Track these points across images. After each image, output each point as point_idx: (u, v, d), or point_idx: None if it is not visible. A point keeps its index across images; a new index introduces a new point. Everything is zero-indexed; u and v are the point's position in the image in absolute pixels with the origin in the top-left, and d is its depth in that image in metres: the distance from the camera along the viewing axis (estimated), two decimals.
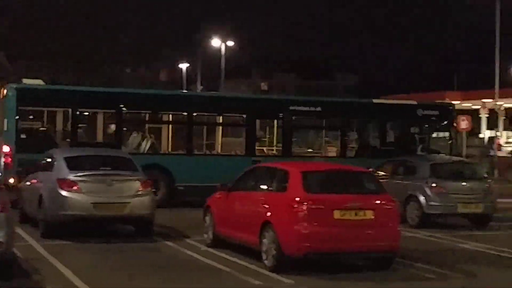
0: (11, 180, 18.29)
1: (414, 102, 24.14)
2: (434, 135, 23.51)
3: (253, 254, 12.06)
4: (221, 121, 22.84)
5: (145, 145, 21.02)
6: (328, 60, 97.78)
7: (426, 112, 22.86)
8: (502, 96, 47.06)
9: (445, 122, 23.03)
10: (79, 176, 14.22)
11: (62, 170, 14.48)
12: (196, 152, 21.45)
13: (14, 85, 19.86)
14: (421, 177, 17.74)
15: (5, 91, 19.58)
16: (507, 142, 47.64)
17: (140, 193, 14.41)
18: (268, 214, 11.73)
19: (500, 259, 13.36)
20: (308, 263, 11.44)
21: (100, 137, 21.12)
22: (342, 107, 23.25)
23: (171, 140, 22.24)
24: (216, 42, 62.27)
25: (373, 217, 11.43)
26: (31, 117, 21.20)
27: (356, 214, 11.35)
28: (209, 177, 18.96)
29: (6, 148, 19.14)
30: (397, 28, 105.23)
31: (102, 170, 14.55)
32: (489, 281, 11.40)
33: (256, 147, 21.90)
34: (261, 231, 11.72)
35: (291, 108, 21.80)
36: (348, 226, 11.28)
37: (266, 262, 11.57)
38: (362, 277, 11.34)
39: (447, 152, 22.46)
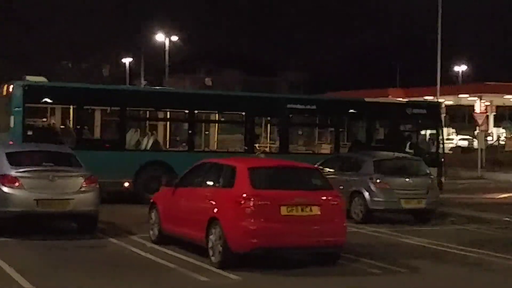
0: None
1: (404, 101, 25.11)
2: (422, 132, 24.25)
3: (200, 250, 12.01)
4: (220, 118, 23.08)
5: (148, 142, 21.23)
6: (273, 56, 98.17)
7: (415, 110, 23.52)
8: (443, 93, 47.97)
9: (433, 120, 23.69)
10: (21, 172, 13.94)
11: (3, 166, 14.16)
12: (196, 149, 21.55)
13: (21, 83, 19.85)
14: (366, 173, 17.93)
15: (10, 89, 19.60)
16: (447, 139, 48.56)
17: (83, 189, 14.21)
18: (215, 210, 11.69)
19: (442, 253, 13.58)
20: (255, 259, 11.45)
21: (104, 134, 21.44)
22: (336, 105, 24.07)
23: (172, 137, 22.71)
24: (160, 37, 61.87)
25: (319, 212, 11.49)
26: (37, 114, 21.35)
27: (302, 210, 11.40)
28: None
29: None
30: (341, 25, 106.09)
31: (44, 166, 14.30)
32: (432, 275, 11.58)
33: (255, 145, 22.20)
34: (207, 228, 11.68)
35: (288, 106, 22.24)
36: (294, 222, 11.31)
37: (212, 258, 11.53)
38: (308, 272, 11.40)
39: (435, 148, 23.27)
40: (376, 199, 17.47)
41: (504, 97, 62.31)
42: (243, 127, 22.10)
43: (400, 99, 51.32)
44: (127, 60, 72.71)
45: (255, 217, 11.13)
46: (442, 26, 43.42)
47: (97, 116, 21.37)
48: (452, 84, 70.22)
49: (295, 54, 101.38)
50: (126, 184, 19.98)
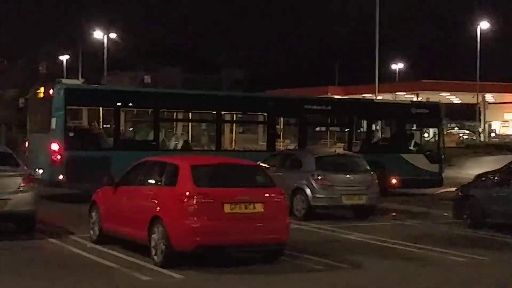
0: None
1: (409, 101, 27.32)
2: (425, 131, 26.02)
3: (142, 250, 11.87)
4: (244, 119, 24.48)
5: (179, 142, 22.09)
6: (214, 54, 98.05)
7: (418, 110, 25.16)
8: (381, 91, 48.62)
9: (434, 119, 25.15)
10: None
11: None
12: (223, 148, 22.31)
13: (63, 85, 20.31)
14: (307, 170, 18.02)
15: (50, 91, 19.99)
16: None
17: (21, 189, 13.90)
18: (157, 209, 11.57)
19: (383, 248, 13.74)
20: (198, 257, 11.38)
21: (139, 135, 22.27)
22: (349, 105, 25.89)
23: (201, 137, 23.86)
24: (98, 34, 61.08)
25: (263, 210, 11.49)
26: (77, 116, 21.85)
27: (246, 208, 11.37)
28: None
29: (55, 146, 19.48)
30: (283, 24, 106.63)
31: None
32: (374, 270, 11.69)
33: (276, 143, 23.10)
34: (150, 226, 11.55)
35: (305, 106, 23.55)
36: (238, 220, 11.29)
37: (155, 257, 11.41)
38: (251, 269, 11.38)
39: (436, 146, 24.83)
40: (317, 195, 17.57)
41: (440, 94, 63.57)
42: (265, 127, 23.27)
43: (339, 96, 51.89)
44: (64, 57, 71.55)
45: (198, 215, 11.05)
46: (379, 25, 44.03)
47: (135, 117, 22.57)
48: (389, 82, 71.27)
49: (237, 51, 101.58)
50: None
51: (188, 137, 22.86)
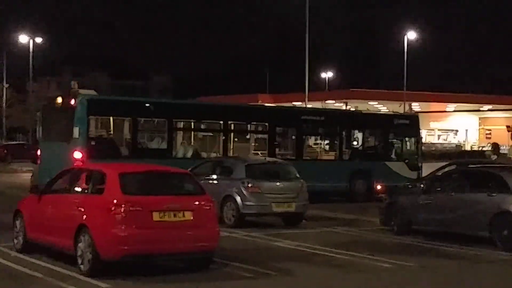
0: None
1: (391, 113, 29.41)
2: (405, 140, 27.54)
3: (68, 259, 11.62)
4: (249, 128, 25.79)
5: (190, 151, 23.11)
6: (143, 60, 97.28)
7: (400, 121, 27.29)
8: (311, 99, 49.02)
9: (413, 130, 27.13)
10: None
11: None
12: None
13: (86, 96, 21.05)
14: (237, 177, 18.00)
15: (72, 101, 20.65)
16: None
17: None
18: (84, 217, 11.35)
19: (312, 255, 13.82)
20: (125, 266, 11.21)
21: (156, 144, 23.02)
22: (340, 116, 28.17)
23: (209, 146, 24.82)
24: (23, 38, 59.80)
25: (192, 218, 11.41)
26: (98, 125, 22.56)
27: (175, 216, 11.27)
28: None
29: (78, 154, 20.03)
30: (213, 31, 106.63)
31: None
32: (303, 277, 11.74)
33: (276, 151, 24.54)
34: (76, 235, 11.32)
35: (302, 117, 25.50)
36: (167, 228, 11.17)
37: (81, 267, 11.20)
38: (180, 278, 11.27)
39: (415, 154, 26.62)
40: (247, 203, 17.57)
41: (369, 103, 64.53)
42: (266, 136, 24.80)
43: (270, 104, 52.12)
44: None
45: (126, 223, 10.89)
46: (309, 34, 44.44)
47: (151, 127, 23.63)
48: (319, 90, 72.00)
49: (166, 58, 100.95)
50: None
51: (198, 146, 24.18)
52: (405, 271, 12.46)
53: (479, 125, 74.58)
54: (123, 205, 10.94)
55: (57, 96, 21.91)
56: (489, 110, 73.64)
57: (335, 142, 26.44)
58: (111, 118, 22.37)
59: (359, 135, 26.60)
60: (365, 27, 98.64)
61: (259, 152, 25.23)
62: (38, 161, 22.11)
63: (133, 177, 11.73)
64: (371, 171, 24.85)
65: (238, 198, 17.60)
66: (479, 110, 70.44)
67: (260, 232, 16.73)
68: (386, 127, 26.70)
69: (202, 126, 24.88)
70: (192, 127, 24.46)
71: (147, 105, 22.91)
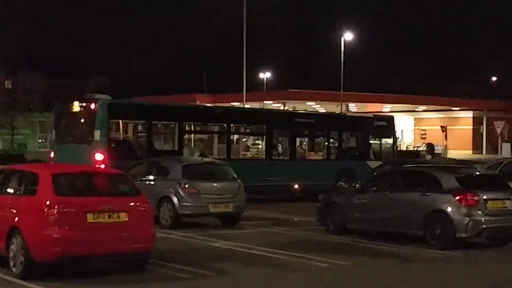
0: None
1: (371, 115, 31.13)
2: (383, 141, 29.14)
3: (0, 261, 11.35)
4: (247, 131, 27.57)
5: (197, 153, 23.99)
6: (78, 59, 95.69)
7: (379, 123, 28.74)
8: (249, 99, 49.16)
9: (390, 131, 28.72)
10: None
11: None
12: (232, 157, 24.67)
13: (106, 101, 22.13)
14: (174, 178, 17.89)
15: (92, 105, 21.70)
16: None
17: None
18: (16, 219, 11.13)
19: (249, 255, 13.83)
20: (59, 268, 11.02)
21: (168, 146, 24.12)
22: (326, 119, 29.99)
23: (214, 147, 25.90)
24: None
25: (127, 219, 11.29)
26: (117, 129, 23.56)
27: (109, 217, 11.14)
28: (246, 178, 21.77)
29: (100, 156, 20.93)
30: (150, 30, 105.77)
31: None
32: (239, 277, 11.74)
33: (273, 152, 26.15)
34: (8, 237, 11.09)
35: (295, 119, 27.08)
36: (101, 229, 11.03)
37: (14, 269, 10.98)
38: (115, 280, 11.14)
39: (391, 155, 28.38)
40: (184, 204, 17.47)
41: (306, 103, 65.03)
42: (264, 138, 26.32)
43: (208, 104, 52.03)
44: None
45: (59, 225, 10.72)
46: (247, 34, 44.52)
47: (165, 130, 24.79)
48: (257, 91, 72.22)
49: (102, 57, 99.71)
50: None
51: (205, 147, 25.52)
52: (341, 270, 12.58)
53: (415, 126, 76.03)
54: (56, 206, 10.77)
55: (73, 101, 22.90)
56: (424, 110, 75.14)
57: (324, 143, 28.03)
58: (129, 122, 23.72)
59: (343, 136, 28.21)
60: (303, 28, 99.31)
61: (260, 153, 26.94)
62: (52, 163, 22.48)
63: (67, 178, 11.55)
64: (354, 170, 26.03)
65: (174, 199, 17.49)
66: (414, 111, 71.76)
67: (197, 233, 16.66)
68: (367, 128, 28.28)
69: (209, 129, 26.22)
70: (199, 129, 26.06)
71: (161, 109, 24.88)
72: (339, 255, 13.89)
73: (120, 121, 23.38)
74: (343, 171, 26.14)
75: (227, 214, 18.06)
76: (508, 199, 15.30)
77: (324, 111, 60.93)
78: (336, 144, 27.97)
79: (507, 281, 11.98)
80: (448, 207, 14.83)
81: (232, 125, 25.52)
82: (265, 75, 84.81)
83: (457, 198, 14.79)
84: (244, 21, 43.96)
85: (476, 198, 14.77)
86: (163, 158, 20.05)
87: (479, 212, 14.72)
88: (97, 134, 21.42)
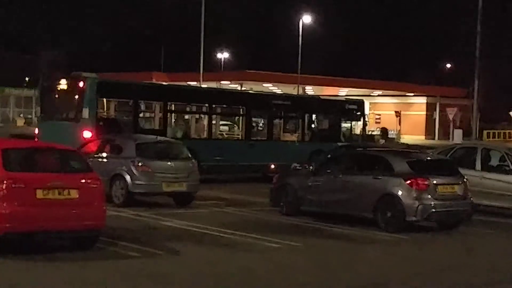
0: None
1: (343, 99, 32.89)
2: (353, 123, 30.17)
3: None
4: (227, 111, 28.01)
5: (181, 132, 24.78)
6: (31, 34, 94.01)
7: (350, 106, 29.47)
8: (206, 79, 48.97)
9: (360, 114, 29.59)
10: None
11: None
12: (212, 137, 25.60)
13: (95, 79, 22.32)
14: (127, 156, 17.75)
15: (81, 83, 21.93)
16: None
17: None
18: None
19: (201, 235, 13.83)
20: (7, 244, 10.87)
21: (154, 125, 24.55)
22: (302, 102, 30.83)
23: (196, 127, 26.58)
24: None
25: (77, 196, 11.18)
26: (105, 107, 23.96)
27: (60, 193, 11.02)
28: (223, 157, 23.97)
29: (88, 134, 21.09)
30: (106, 7, 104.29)
31: None
32: (190, 257, 11.73)
33: (251, 132, 26.59)
34: None
35: (273, 102, 27.61)
36: (51, 205, 10.92)
37: None
38: (65, 257, 11.04)
39: (361, 136, 29.69)
40: (137, 182, 17.35)
41: (263, 85, 65.07)
42: (243, 119, 26.61)
43: (164, 83, 51.70)
44: None
45: (7, 200, 10.58)
46: (206, 13, 44.26)
47: (151, 109, 25.17)
48: (214, 71, 72.00)
49: (57, 31, 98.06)
50: None
51: (188, 127, 26.24)
52: (292, 251, 12.66)
53: (369, 110, 76.62)
54: (5, 182, 10.63)
55: (59, 78, 23.25)
56: (379, 95, 75.79)
57: (299, 124, 28.39)
58: (117, 100, 24.23)
59: (317, 118, 29.09)
60: (263, 9, 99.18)
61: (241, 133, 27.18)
62: (36, 139, 22.32)
63: (17, 153, 11.37)
64: (326, 152, 26.21)
65: (127, 177, 17.35)
66: (369, 95, 72.28)
67: (150, 211, 16.59)
68: (339, 111, 28.98)
69: (192, 109, 26.74)
70: (182, 109, 26.58)
71: (147, 88, 25.60)
72: (291, 236, 13.97)
73: (108, 100, 23.72)
74: (317, 152, 26.26)
75: (181, 193, 17.99)
76: (458, 184, 15.57)
77: (281, 92, 61.04)
78: (311, 126, 28.65)
79: (453, 264, 12.20)
80: (399, 191, 15.01)
81: (213, 105, 25.84)
82: (223, 55, 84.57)
83: (408, 182, 14.98)
84: (203, 0, 43.67)
85: (426, 182, 14.98)
86: (117, 135, 19.88)
87: (429, 197, 14.93)
88: (85, 112, 21.65)
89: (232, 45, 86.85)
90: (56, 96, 23.18)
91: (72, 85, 22.46)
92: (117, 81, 26.76)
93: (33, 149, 11.92)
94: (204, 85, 45.68)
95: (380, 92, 73.16)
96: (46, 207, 10.87)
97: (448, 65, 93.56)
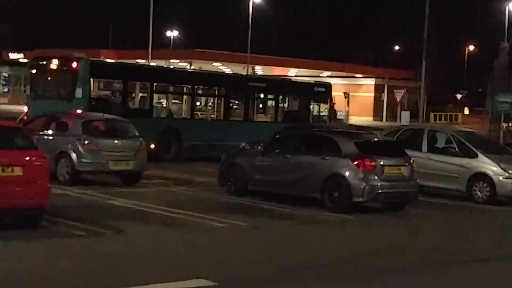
0: None
1: (313, 81, 33.50)
2: (321, 105, 31.10)
3: None
4: (206, 92, 29.05)
5: (165, 112, 26.18)
6: None
7: (319, 88, 30.52)
8: (155, 57, 48.53)
9: (328, 96, 30.57)
10: None
11: None
12: (196, 117, 26.90)
13: (88, 60, 23.36)
14: (73, 134, 17.50)
15: (74, 64, 22.66)
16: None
17: None
18: None
19: (147, 214, 13.74)
20: None
21: (142, 104, 25.36)
22: (275, 83, 31.87)
23: (180, 107, 27.96)
24: None
25: (21, 173, 11.00)
26: (97, 87, 24.78)
27: (3, 171, 10.82)
28: (207, 137, 25.11)
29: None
30: None
31: None
32: (135, 236, 11.65)
33: (229, 113, 27.62)
34: None
35: (250, 84, 28.90)
36: None
37: None
38: (8, 235, 10.80)
39: (328, 117, 30.83)
40: (83, 160, 17.13)
41: (213, 64, 64.81)
42: (222, 100, 27.54)
43: (112, 60, 51.08)
44: None
45: None
46: None
47: (140, 90, 25.85)
48: (164, 49, 71.37)
49: (3, 6, 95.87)
50: (152, 146, 22.33)
51: (173, 107, 27.44)
52: (238, 231, 12.67)
53: None
54: None
55: (51, 58, 23.78)
56: (328, 76, 76.10)
57: (272, 106, 29.70)
58: (108, 80, 25.11)
59: (289, 100, 30.47)
60: None
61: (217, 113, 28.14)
62: (25, 117, 23.02)
63: None
64: None
65: (73, 155, 17.11)
66: (319, 76, 72.57)
67: (96, 190, 16.40)
68: (308, 93, 30.01)
69: (176, 90, 27.68)
70: (168, 90, 27.41)
71: (136, 69, 27.19)
72: (237, 215, 13.98)
73: (99, 80, 24.52)
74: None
75: (128, 172, 17.83)
76: (404, 165, 15.75)
77: (230, 72, 60.98)
78: (283, 107, 30.07)
79: (397, 244, 12.36)
80: (346, 171, 15.13)
81: (195, 87, 26.74)
82: (172, 33, 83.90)
83: (355, 163, 15.10)
84: None
85: (373, 163, 15.12)
86: (62, 112, 19.56)
87: (376, 178, 15.08)
88: (78, 92, 22.36)
89: (182, 23, 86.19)
90: (48, 75, 23.80)
91: (64, 65, 23.18)
92: (107, 62, 28.50)
93: None
94: (152, 63, 45.28)
95: (329, 73, 73.55)
96: None
97: (397, 47, 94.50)
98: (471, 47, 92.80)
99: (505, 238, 13.66)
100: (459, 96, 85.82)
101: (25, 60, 64.54)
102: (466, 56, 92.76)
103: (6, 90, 73.76)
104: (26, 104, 25.05)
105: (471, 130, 22.99)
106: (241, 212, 14.54)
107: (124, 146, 17.75)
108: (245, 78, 33.74)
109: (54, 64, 23.51)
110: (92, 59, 25.42)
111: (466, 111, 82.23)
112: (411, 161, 16.02)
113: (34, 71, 24.41)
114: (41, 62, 24.41)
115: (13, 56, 73.87)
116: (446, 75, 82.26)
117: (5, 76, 74.07)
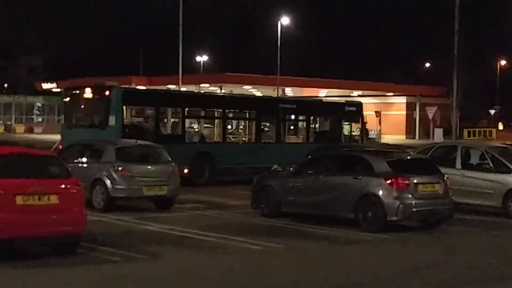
0: None
1: (343, 101, 33.27)
2: (353, 125, 31.07)
3: None
4: (240, 116, 29.17)
5: (197, 137, 26.49)
6: (9, 41, 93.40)
7: (350, 108, 30.55)
8: (186, 82, 48.87)
9: (359, 115, 30.56)
10: None
11: None
12: (228, 140, 27.20)
13: (120, 88, 23.95)
14: (107, 160, 17.68)
15: (107, 92, 23.18)
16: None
17: None
18: None
19: (182, 239, 13.80)
20: None
21: (173, 130, 25.69)
22: (307, 105, 31.80)
23: (212, 131, 28.38)
24: None
25: (57, 201, 11.13)
26: (130, 114, 25.03)
27: (39, 199, 10.96)
28: (239, 160, 25.46)
29: None
30: (87, 10, 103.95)
31: None
32: (172, 260, 11.70)
33: (262, 136, 27.98)
34: None
35: (281, 105, 28.80)
36: (31, 212, 10.87)
37: None
38: (47, 263, 10.97)
39: (360, 136, 30.78)
40: (118, 186, 17.29)
41: (243, 87, 65.07)
42: (254, 123, 27.81)
43: (143, 87, 51.55)
44: None
45: None
46: (184, 16, 44.19)
47: (172, 116, 26.21)
48: (194, 74, 71.85)
49: (35, 37, 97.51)
50: (185, 171, 22.96)
51: (204, 132, 27.51)
52: (273, 253, 12.67)
53: None
54: None
55: (84, 87, 24.21)
56: (359, 96, 75.93)
57: (304, 127, 29.74)
58: (140, 107, 25.50)
59: (320, 120, 30.57)
60: (241, 11, 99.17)
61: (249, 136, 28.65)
62: (60, 146, 24.04)
63: None
64: None
65: (108, 182, 17.30)
66: (349, 96, 72.45)
67: (131, 216, 16.53)
68: (340, 113, 30.04)
69: (207, 114, 27.58)
70: (200, 115, 27.53)
71: (168, 96, 27.52)
72: (272, 237, 13.98)
73: (131, 107, 24.81)
74: None
75: (161, 197, 17.95)
76: (438, 183, 15.65)
77: (261, 94, 61.17)
78: (314, 127, 30.17)
79: (433, 263, 12.25)
80: (380, 191, 15.06)
81: (226, 110, 27.04)
82: (202, 58, 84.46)
83: (388, 182, 15.03)
84: (181, 3, 43.61)
85: (406, 182, 15.04)
86: (96, 140, 19.80)
87: (410, 196, 14.99)
88: (112, 119, 22.82)
89: (212, 48, 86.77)
90: (81, 104, 24.36)
91: (97, 93, 23.68)
92: (139, 90, 29.11)
93: (12, 155, 11.83)
94: (183, 88, 45.60)
95: (359, 93, 73.36)
96: (25, 213, 10.80)
97: (427, 64, 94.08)
98: (503, 62, 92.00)
99: None
100: (492, 111, 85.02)
101: (58, 90, 65.50)
102: (498, 71, 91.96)
103: (40, 119, 74.86)
104: (60, 133, 25.64)
105: (505, 145, 22.73)
106: (275, 234, 14.54)
107: (157, 172, 17.89)
108: (276, 100, 34.27)
109: (87, 93, 23.96)
110: (124, 87, 26.14)
111: (501, 127, 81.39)
112: (445, 178, 15.91)
113: (67, 100, 24.92)
114: (74, 92, 24.92)
115: (46, 86, 74.94)
116: (479, 91, 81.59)
117: (39, 106, 75.19)
